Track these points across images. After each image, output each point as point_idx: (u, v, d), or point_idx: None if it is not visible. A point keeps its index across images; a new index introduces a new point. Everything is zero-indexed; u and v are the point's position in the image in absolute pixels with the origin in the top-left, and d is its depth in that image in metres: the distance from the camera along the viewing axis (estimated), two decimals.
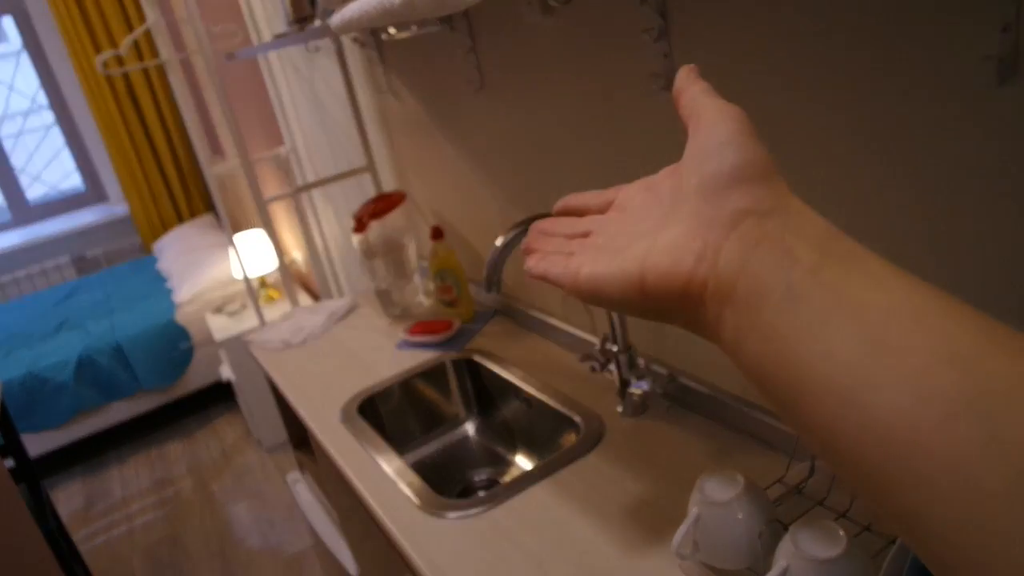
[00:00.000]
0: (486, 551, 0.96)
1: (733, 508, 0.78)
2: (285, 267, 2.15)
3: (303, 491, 1.92)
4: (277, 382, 1.59)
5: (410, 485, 1.12)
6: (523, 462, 1.40)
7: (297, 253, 3.54)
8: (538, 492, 1.05)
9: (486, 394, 1.51)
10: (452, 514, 1.04)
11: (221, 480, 3.18)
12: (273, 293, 3.50)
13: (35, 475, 2.39)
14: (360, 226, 1.68)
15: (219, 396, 3.77)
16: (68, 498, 3.29)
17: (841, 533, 0.70)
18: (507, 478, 1.39)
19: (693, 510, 0.80)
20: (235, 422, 3.65)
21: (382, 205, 1.76)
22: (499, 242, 1.07)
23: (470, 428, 1.53)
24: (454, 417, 1.54)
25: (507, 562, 0.93)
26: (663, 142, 1.04)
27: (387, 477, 1.16)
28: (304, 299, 3.43)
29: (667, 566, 0.87)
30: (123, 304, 3.86)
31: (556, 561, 0.91)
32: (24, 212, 4.93)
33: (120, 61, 4.24)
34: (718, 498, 0.79)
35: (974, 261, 0.71)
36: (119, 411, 3.50)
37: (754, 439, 1.06)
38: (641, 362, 1.16)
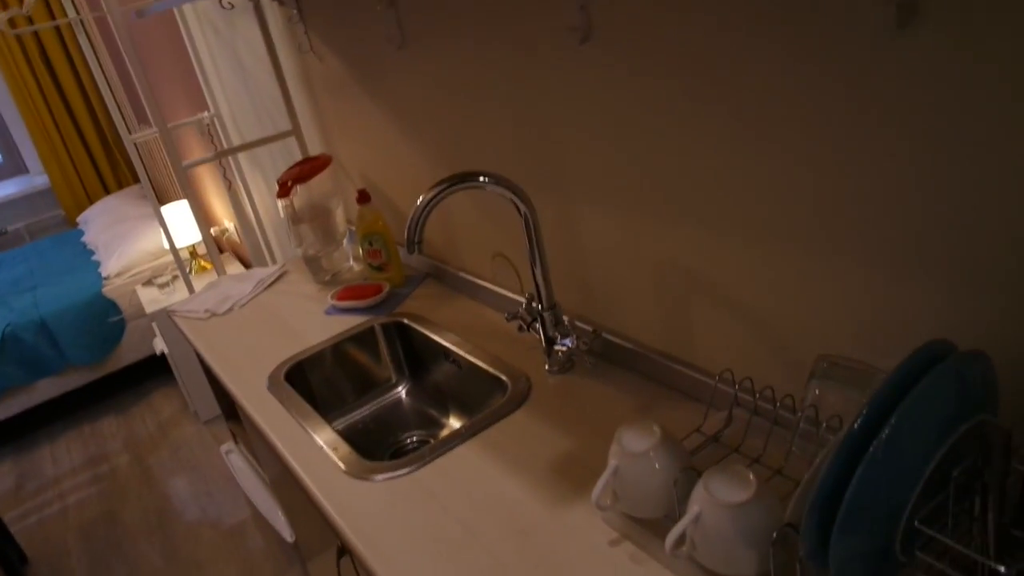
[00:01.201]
0: (413, 514, 0.95)
1: (649, 458, 0.79)
2: (209, 237, 2.09)
3: (237, 461, 1.89)
4: (201, 352, 1.55)
5: (336, 451, 1.11)
6: (456, 424, 1.40)
7: (228, 223, 3.44)
8: (465, 451, 1.05)
9: (416, 358, 1.49)
10: (379, 477, 1.04)
11: (158, 454, 3.11)
12: (205, 263, 3.40)
13: None
14: (284, 191, 1.64)
15: (154, 369, 3.67)
16: None
17: (751, 477, 0.71)
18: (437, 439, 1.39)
19: (612, 462, 0.81)
20: (171, 395, 3.56)
21: (307, 169, 1.72)
22: (421, 200, 1.04)
23: (402, 392, 1.52)
24: (385, 381, 1.52)
25: (434, 524, 0.93)
26: (584, 96, 1.03)
27: (314, 444, 1.14)
28: (236, 269, 3.34)
29: (592, 518, 0.88)
30: (47, 279, 3.70)
31: (483, 521, 0.92)
32: None
33: (29, 20, 4.00)
34: (635, 449, 0.80)
35: (885, 203, 0.73)
36: (47, 388, 3.38)
37: (676, 391, 1.08)
38: (566, 319, 1.16)
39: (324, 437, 1.15)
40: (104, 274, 3.53)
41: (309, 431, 1.17)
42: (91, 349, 3.40)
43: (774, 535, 0.68)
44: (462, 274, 1.54)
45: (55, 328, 3.31)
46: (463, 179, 1.06)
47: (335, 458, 1.09)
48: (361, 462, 1.07)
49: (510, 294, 1.40)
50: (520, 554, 0.85)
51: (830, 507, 0.61)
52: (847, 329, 0.82)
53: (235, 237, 3.43)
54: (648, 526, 0.84)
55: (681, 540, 0.74)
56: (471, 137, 1.32)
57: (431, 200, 1.05)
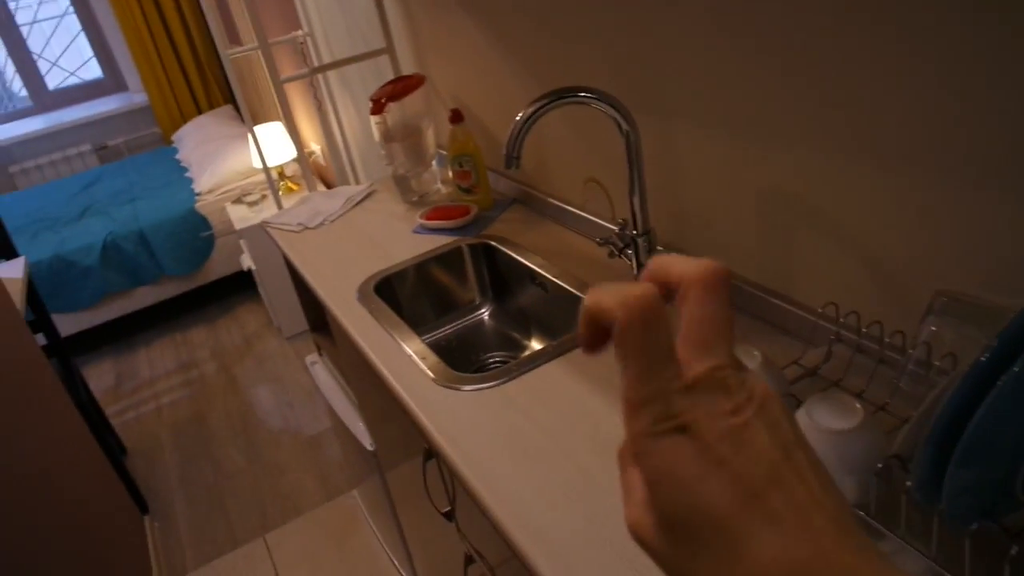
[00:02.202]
0: (500, 423, 0.97)
1: None
2: (303, 155, 2.12)
3: (321, 372, 1.96)
4: (294, 262, 1.59)
5: (425, 360, 1.13)
6: (538, 346, 1.41)
7: (315, 145, 3.49)
8: (552, 369, 1.06)
9: (501, 279, 1.50)
10: (466, 387, 1.06)
11: (243, 365, 3.27)
12: (292, 185, 3.48)
13: (65, 350, 2.47)
14: (377, 107, 1.64)
15: (241, 285, 3.83)
16: (99, 376, 3.40)
17: (858, 406, 0.69)
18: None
19: None
20: (256, 311, 3.71)
21: (400, 87, 1.71)
22: (521, 115, 1.03)
23: (485, 313, 1.53)
24: (469, 302, 1.54)
25: (520, 434, 0.94)
26: (695, 18, 0.98)
27: (403, 353, 1.17)
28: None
29: None
30: (145, 192, 3.87)
31: (569, 434, 0.93)
32: (45, 98, 4.88)
33: None
34: None
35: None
36: (145, 296, 3.57)
37: (772, 325, 1.05)
38: (660, 248, 1.13)
39: (413, 347, 1.17)
40: (197, 191, 3.67)
41: (398, 340, 1.20)
42: (184, 261, 3.56)
43: (879, 465, 0.66)
44: (551, 199, 1.52)
45: (153, 239, 3.47)
46: (565, 94, 1.03)
47: (424, 367, 1.11)
48: (449, 372, 1.09)
49: (600, 221, 1.38)
50: (604, 467, 0.86)
51: (948, 439, 0.59)
52: (969, 265, 0.77)
53: (321, 160, 3.49)
54: None
55: None
56: (568, 57, 1.29)
57: (532, 114, 1.03)
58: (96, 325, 3.52)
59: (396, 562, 2.03)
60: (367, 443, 1.64)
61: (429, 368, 1.11)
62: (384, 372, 1.13)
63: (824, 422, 0.69)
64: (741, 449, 0.26)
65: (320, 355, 2.01)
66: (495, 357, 1.43)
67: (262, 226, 1.84)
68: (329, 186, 3.39)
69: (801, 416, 0.71)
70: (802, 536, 0.25)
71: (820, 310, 0.91)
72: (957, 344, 0.77)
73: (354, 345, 1.28)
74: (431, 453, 1.04)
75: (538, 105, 1.03)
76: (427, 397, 1.06)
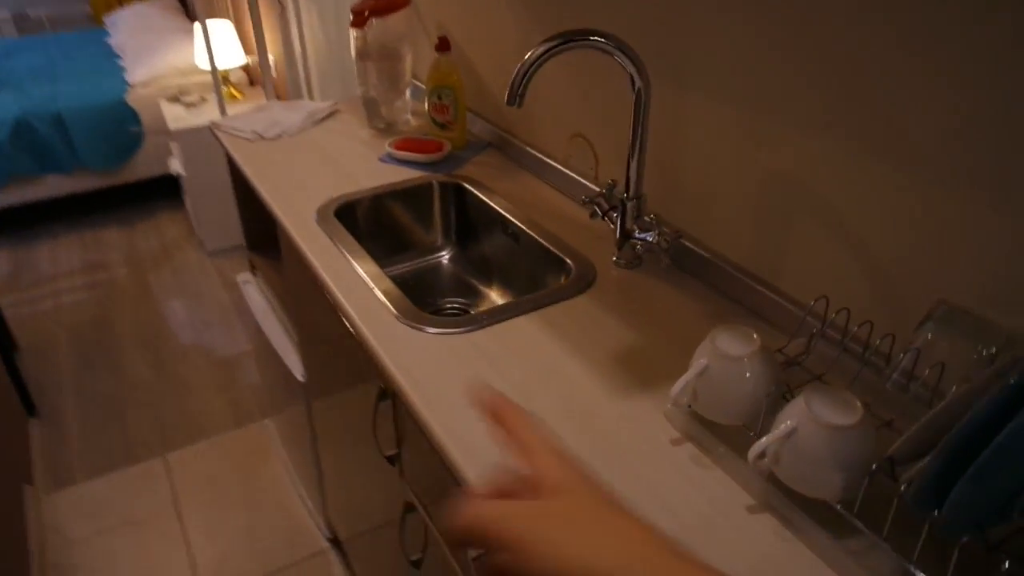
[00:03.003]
0: (467, 371, 0.92)
1: (744, 364, 0.75)
2: (265, 59, 1.97)
3: (253, 293, 1.85)
4: (246, 172, 1.48)
5: (387, 294, 1.06)
6: (497, 299, 1.35)
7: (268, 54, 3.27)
8: (524, 323, 1.01)
9: (468, 224, 1.43)
10: (431, 329, 1.00)
11: (158, 273, 3.08)
12: (236, 92, 3.26)
13: None
14: (359, 20, 1.52)
15: (163, 190, 3.59)
16: None
17: (858, 404, 0.68)
18: (482, 309, 1.35)
19: (701, 360, 0.77)
20: (178, 219, 3.50)
21: (384, 3, 1.60)
22: (533, 52, 0.96)
23: (445, 256, 1.47)
24: (431, 243, 1.47)
25: (489, 384, 0.89)
26: None
27: (364, 285, 1.10)
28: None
29: (654, 415, 0.85)
30: (68, 74, 3.55)
31: (540, 393, 0.88)
32: None
33: None
34: (731, 352, 0.76)
35: None
36: (55, 185, 3.30)
37: (752, 312, 1.03)
38: (651, 215, 1.10)
39: (375, 280, 1.10)
40: (129, 81, 3.39)
41: (359, 271, 1.12)
42: (105, 155, 3.30)
43: (874, 466, 0.65)
44: (529, 149, 1.46)
45: (71, 124, 3.20)
46: (582, 36, 0.97)
47: (386, 301, 1.05)
48: (413, 310, 1.03)
49: (582, 179, 1.33)
50: (578, 434, 0.82)
51: (961, 454, 0.58)
52: (975, 280, 0.77)
53: (272, 72, 3.27)
54: (715, 431, 0.81)
55: (763, 453, 0.71)
56: (580, 5, 1.22)
57: (546, 52, 0.96)
58: None
59: (307, 498, 1.96)
60: (298, 373, 1.56)
61: (392, 304, 1.04)
62: (343, 302, 1.06)
63: (824, 416, 0.67)
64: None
65: (254, 275, 1.89)
66: (453, 303, 1.37)
67: (210, 128, 1.69)
68: (279, 99, 3.20)
69: (798, 407, 0.69)
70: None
71: (812, 303, 0.90)
72: (950, 355, 0.77)
73: (308, 270, 1.19)
74: (386, 393, 0.98)
75: (553, 44, 0.96)
76: (388, 334, 0.99)
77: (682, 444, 0.82)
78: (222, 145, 1.63)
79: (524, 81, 0.97)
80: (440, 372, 0.92)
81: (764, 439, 0.70)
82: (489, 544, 0.37)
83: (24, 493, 1.84)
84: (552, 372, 0.92)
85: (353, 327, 1.02)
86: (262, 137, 1.61)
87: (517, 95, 0.99)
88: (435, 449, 0.83)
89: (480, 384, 0.46)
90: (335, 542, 1.86)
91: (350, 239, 1.21)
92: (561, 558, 0.35)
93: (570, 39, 0.97)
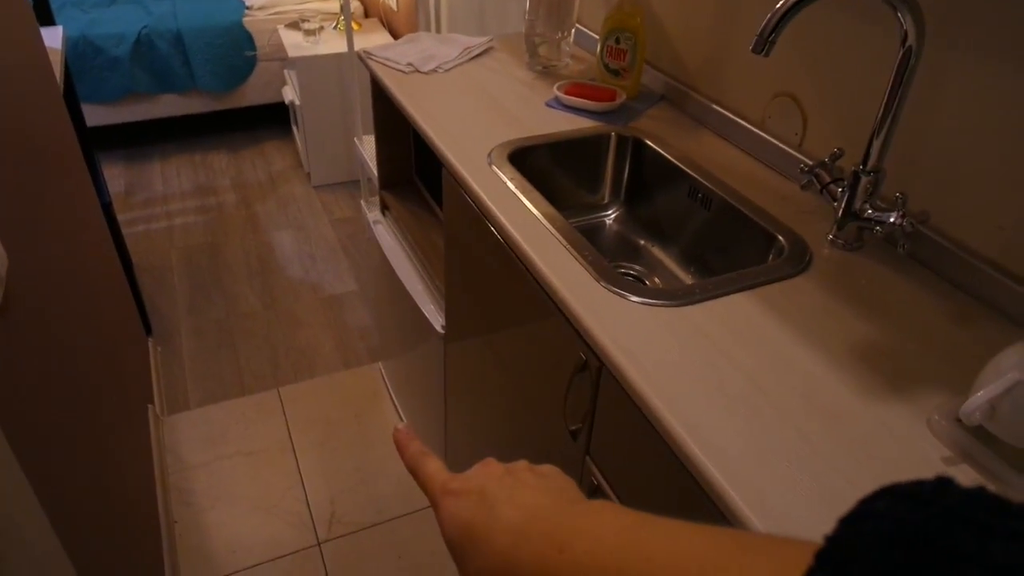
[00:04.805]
0: (689, 350, 0.82)
1: None
2: None
3: (385, 235, 1.78)
4: (405, 107, 1.39)
5: (580, 251, 0.96)
6: (676, 268, 1.24)
7: None
8: (743, 301, 0.90)
9: (642, 183, 1.32)
10: (635, 298, 0.90)
11: (265, 204, 3.06)
12: (355, 24, 3.18)
13: (90, 144, 2.23)
14: None
15: (271, 118, 3.56)
16: (110, 179, 3.17)
17: None
18: (657, 279, 1.25)
19: (1012, 375, 0.65)
20: (284, 150, 3.47)
21: None
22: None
23: (611, 215, 1.36)
24: (599, 200, 1.36)
25: (718, 371, 0.79)
26: None
27: (553, 238, 1.00)
28: (384, 38, 3.12)
29: (910, 419, 0.74)
30: None
31: (776, 384, 0.78)
32: None
33: None
34: None
35: None
36: (170, 104, 3.30)
37: (1001, 313, 0.90)
38: (898, 194, 0.96)
39: (563, 233, 1.00)
40: (247, 3, 3.34)
41: (546, 224, 1.03)
42: (220, 77, 3.28)
43: None
44: (715, 106, 1.33)
45: (190, 44, 3.17)
46: None
47: (581, 259, 0.95)
48: (614, 273, 0.93)
49: (780, 144, 1.20)
50: (826, 438, 0.72)
51: None
52: None
53: (392, 4, 3.17)
54: (998, 450, 0.69)
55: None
56: None
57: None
58: (113, 123, 3.25)
59: None
60: (437, 324, 1.49)
61: (590, 264, 0.94)
62: (536, 261, 0.96)
63: None
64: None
65: (384, 215, 1.82)
66: (625, 268, 1.27)
67: (361, 56, 1.61)
68: (397, 36, 3.10)
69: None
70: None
71: None
72: None
73: (483, 218, 1.10)
74: (587, 364, 0.89)
75: None
76: (590, 298, 0.89)
77: (958, 464, 0.70)
78: (374, 75, 1.55)
79: (779, 26, 0.85)
80: (655, 346, 0.82)
81: (981, 392, 0.60)
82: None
83: (148, 413, 1.85)
84: (785, 362, 0.81)
85: (550, 289, 0.93)
86: (417, 70, 1.52)
87: (768, 41, 0.86)
88: (656, 433, 0.74)
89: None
90: None
91: (528, 186, 1.11)
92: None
93: None
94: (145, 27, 3.12)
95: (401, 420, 2.01)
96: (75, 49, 3.00)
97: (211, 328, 2.36)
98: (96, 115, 3.16)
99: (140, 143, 3.45)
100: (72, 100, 2.10)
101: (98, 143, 3.33)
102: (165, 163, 3.33)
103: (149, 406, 1.88)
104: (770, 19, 0.85)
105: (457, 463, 1.72)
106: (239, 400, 2.07)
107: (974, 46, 0.89)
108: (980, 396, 0.66)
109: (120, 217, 2.88)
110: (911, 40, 0.86)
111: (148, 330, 2.29)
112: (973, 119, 0.90)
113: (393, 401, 2.07)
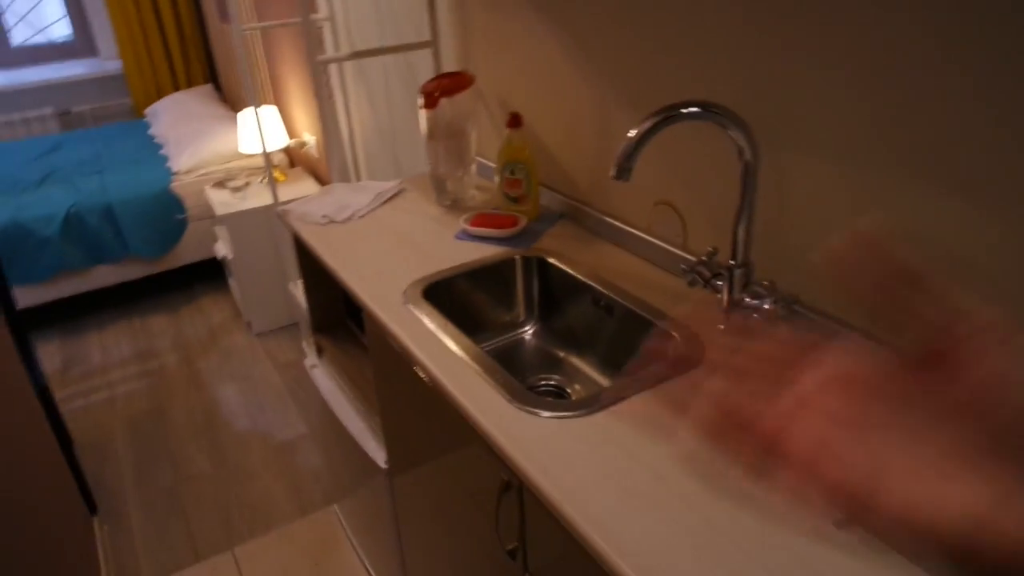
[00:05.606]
0: (598, 457, 0.87)
1: None
2: (336, 139, 1.99)
3: (321, 377, 1.82)
4: (323, 257, 1.46)
5: (491, 374, 1.03)
6: (593, 373, 1.31)
7: (309, 136, 3.34)
8: (646, 400, 0.97)
9: (552, 298, 1.41)
10: (545, 413, 0.95)
11: (207, 359, 3.07)
12: (280, 175, 3.32)
13: (22, 325, 2.25)
14: (431, 101, 1.54)
15: (205, 274, 3.62)
16: (46, 357, 3.14)
17: None
18: (577, 386, 1.31)
19: None
20: (221, 302, 3.51)
21: (449, 84, 1.61)
22: (641, 127, 0.95)
23: (528, 332, 1.44)
24: (513, 318, 1.44)
25: (626, 474, 0.84)
26: (832, 22, 0.92)
27: (466, 365, 1.06)
28: (311, 185, 3.26)
29: None
30: (115, 165, 3.63)
31: (680, 476, 0.83)
32: (6, 55, 4.57)
33: None
34: None
35: None
36: (104, 275, 3.34)
37: None
38: (765, 282, 1.06)
39: (476, 359, 1.06)
40: (173, 169, 3.46)
41: (458, 352, 1.09)
42: (153, 243, 3.35)
43: None
44: (607, 218, 1.44)
45: (121, 215, 3.25)
46: (691, 107, 0.96)
47: (493, 383, 1.01)
48: (525, 392, 0.99)
49: (669, 247, 1.31)
50: (735, 520, 0.77)
51: None
52: None
53: (313, 152, 3.33)
54: None
55: None
56: (666, 67, 1.21)
57: (654, 126, 0.95)
58: (47, 302, 3.26)
59: None
60: (380, 460, 1.51)
61: (501, 386, 1.00)
62: (450, 389, 1.02)
63: None
64: None
65: (320, 358, 1.87)
66: (545, 381, 1.33)
67: (279, 215, 1.70)
68: (322, 182, 3.25)
69: None
70: None
71: None
72: None
73: (401, 355, 1.16)
74: (510, 485, 0.93)
75: (661, 116, 0.95)
76: (504, 420, 0.95)
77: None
78: (293, 232, 1.63)
79: (634, 155, 0.96)
80: (568, 460, 0.87)
81: None
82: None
83: None
84: (692, 456, 0.87)
85: (466, 415, 0.98)
86: (333, 221, 1.61)
87: (625, 169, 0.97)
88: (579, 545, 0.78)
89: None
90: None
91: (443, 320, 1.18)
92: None
93: (674, 113, 0.96)
94: (73, 205, 3.19)
95: (360, 560, 1.98)
96: (4, 234, 3.05)
97: (160, 497, 2.32)
98: (29, 296, 3.18)
99: (75, 316, 3.45)
100: (1, 285, 2.13)
101: (32, 323, 3.34)
102: (102, 333, 3.33)
103: None
104: (624, 150, 0.96)
105: None
106: (192, 568, 2.01)
107: (802, 148, 1.01)
108: None
109: (59, 394, 2.86)
110: (747, 155, 0.99)
111: (93, 509, 2.23)
112: (816, 206, 1.02)
113: (351, 541, 2.04)
